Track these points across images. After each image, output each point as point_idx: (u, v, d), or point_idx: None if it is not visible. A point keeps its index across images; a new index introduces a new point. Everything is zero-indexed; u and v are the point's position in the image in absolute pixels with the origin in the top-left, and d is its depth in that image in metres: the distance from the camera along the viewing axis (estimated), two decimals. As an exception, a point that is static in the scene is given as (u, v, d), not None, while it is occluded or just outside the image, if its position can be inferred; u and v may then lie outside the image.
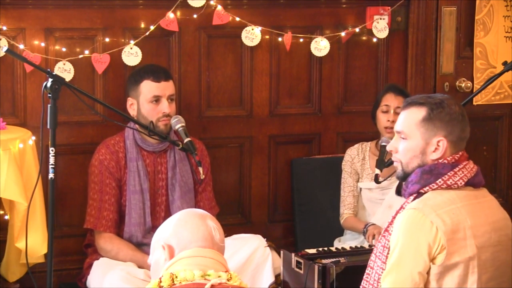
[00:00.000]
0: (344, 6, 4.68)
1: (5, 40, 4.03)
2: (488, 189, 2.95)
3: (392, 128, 4.09)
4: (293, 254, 3.82)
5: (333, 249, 3.94)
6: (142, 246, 3.93)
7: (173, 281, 2.26)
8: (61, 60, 4.15)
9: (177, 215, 2.47)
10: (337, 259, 3.73)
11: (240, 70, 4.55)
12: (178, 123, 3.89)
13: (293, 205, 4.66)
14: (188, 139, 3.83)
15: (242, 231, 4.22)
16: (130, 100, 3.99)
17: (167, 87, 3.96)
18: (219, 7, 4.36)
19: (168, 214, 3.92)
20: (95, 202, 3.92)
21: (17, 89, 4.16)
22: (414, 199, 2.83)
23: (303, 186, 4.64)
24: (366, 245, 3.99)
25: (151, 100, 3.92)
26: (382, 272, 2.82)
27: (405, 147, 2.88)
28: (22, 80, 4.16)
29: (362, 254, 3.81)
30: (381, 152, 4.09)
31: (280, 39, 4.54)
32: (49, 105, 3.30)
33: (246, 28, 4.44)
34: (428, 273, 2.73)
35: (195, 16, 4.36)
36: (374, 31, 4.66)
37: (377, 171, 4.05)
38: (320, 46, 4.58)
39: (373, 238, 3.97)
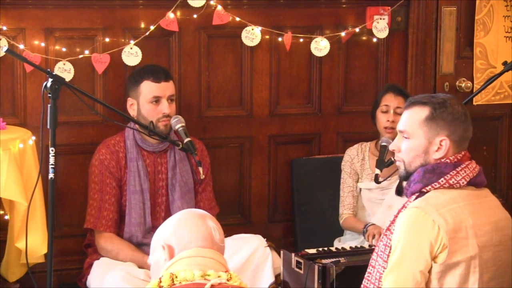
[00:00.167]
0: (344, 6, 4.69)
1: (5, 40, 4.04)
2: (488, 189, 2.95)
3: (391, 128, 4.10)
4: (293, 254, 3.82)
5: (333, 249, 3.94)
6: (142, 246, 3.93)
7: (173, 281, 2.26)
8: (61, 60, 4.16)
9: (177, 215, 2.47)
10: (337, 259, 3.73)
11: (240, 70, 4.55)
12: (178, 123, 3.89)
13: (293, 205, 4.66)
14: (188, 139, 3.83)
15: (242, 231, 4.22)
16: (130, 101, 3.99)
17: (167, 88, 3.96)
18: (219, 7, 4.36)
19: (168, 214, 3.92)
20: (95, 202, 3.92)
21: (17, 89, 4.16)
22: (416, 198, 2.83)
23: (303, 186, 4.64)
24: (366, 245, 3.99)
25: (151, 101, 3.92)
26: (383, 271, 2.82)
27: (408, 146, 2.88)
28: (22, 80, 4.16)
29: (362, 254, 3.81)
30: (381, 152, 4.09)
31: (280, 39, 4.54)
32: (49, 105, 3.30)
33: (246, 28, 4.44)
34: (429, 272, 2.74)
35: (195, 16, 4.36)
36: (374, 31, 4.66)
37: (377, 171, 4.05)
38: (320, 46, 4.58)
39: (373, 238, 3.97)
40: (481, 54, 4.93)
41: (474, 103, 4.89)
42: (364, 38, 4.73)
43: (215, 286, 2.26)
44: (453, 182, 2.81)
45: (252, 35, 4.46)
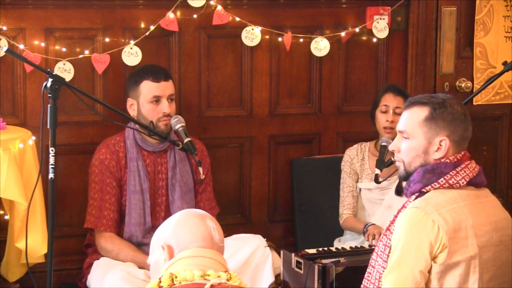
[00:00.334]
0: (344, 6, 4.69)
1: (5, 40, 4.04)
2: (488, 189, 2.95)
3: (391, 128, 4.10)
4: (293, 254, 3.82)
5: (333, 249, 3.94)
6: (142, 246, 3.93)
7: (173, 281, 2.26)
8: (61, 60, 4.16)
9: (177, 215, 2.47)
10: (337, 259, 3.73)
11: (240, 70, 4.55)
12: (178, 123, 3.89)
13: (293, 205, 4.66)
14: (188, 139, 3.83)
15: (242, 231, 4.22)
16: (130, 101, 3.99)
17: (167, 87, 3.96)
18: (219, 7, 4.36)
19: (168, 214, 3.92)
20: (95, 202, 3.92)
21: (17, 89, 4.16)
22: (416, 198, 2.83)
23: (303, 186, 4.64)
24: (366, 245, 3.99)
25: (151, 100, 3.92)
26: (383, 271, 2.82)
27: (408, 146, 2.88)
28: (22, 80, 4.16)
29: (362, 254, 3.81)
30: (381, 152, 4.09)
31: (280, 39, 4.54)
32: (49, 105, 3.30)
33: (246, 28, 4.45)
34: (429, 271, 2.74)
35: (195, 16, 4.36)
36: (374, 31, 4.66)
37: (377, 171, 4.05)
38: (320, 46, 4.58)
39: (373, 238, 3.97)
40: (481, 54, 4.93)
41: (474, 103, 4.89)
42: (364, 38, 4.73)
43: (214, 286, 2.26)
44: (453, 182, 2.81)
45: (252, 35, 4.46)
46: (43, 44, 4.14)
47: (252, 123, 4.61)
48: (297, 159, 4.68)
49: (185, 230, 2.39)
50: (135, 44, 4.25)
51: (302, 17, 4.60)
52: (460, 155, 2.85)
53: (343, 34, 4.63)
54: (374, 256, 2.93)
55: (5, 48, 3.41)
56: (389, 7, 4.68)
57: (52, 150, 3.32)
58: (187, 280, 2.26)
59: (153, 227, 3.89)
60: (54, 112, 3.30)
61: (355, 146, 4.36)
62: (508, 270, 2.86)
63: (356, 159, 4.31)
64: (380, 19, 4.66)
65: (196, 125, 4.46)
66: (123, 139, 3.99)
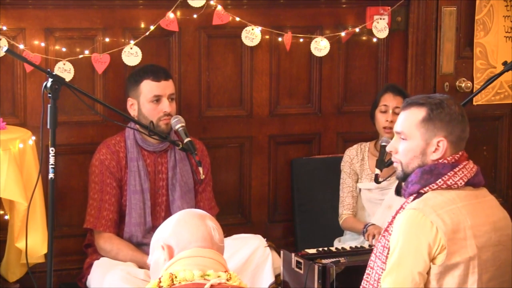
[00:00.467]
0: (344, 6, 4.69)
1: (5, 40, 4.04)
2: (488, 189, 2.95)
3: (390, 128, 4.09)
4: (293, 254, 3.82)
5: (333, 249, 3.94)
6: (142, 246, 3.93)
7: (173, 281, 2.27)
8: (61, 60, 4.16)
9: (177, 215, 2.47)
10: (337, 259, 3.73)
11: (240, 70, 4.55)
12: (178, 123, 3.89)
13: (293, 205, 4.66)
14: (188, 139, 3.83)
15: (242, 231, 4.22)
16: (130, 100, 3.99)
17: (167, 87, 3.96)
18: (219, 7, 4.36)
19: (168, 214, 3.92)
20: (95, 202, 3.93)
21: (17, 89, 4.17)
22: (414, 199, 2.83)
23: (303, 186, 4.64)
24: (366, 245, 3.99)
25: (151, 100, 3.92)
26: (382, 272, 2.82)
27: (405, 147, 2.88)
28: (22, 80, 4.16)
29: (362, 254, 3.81)
30: (381, 152, 4.08)
31: (280, 39, 4.54)
32: (49, 105, 3.30)
33: (246, 28, 4.45)
34: (428, 273, 2.73)
35: (195, 16, 4.36)
36: (374, 31, 4.66)
37: (377, 171, 4.04)
38: (320, 46, 4.58)
39: (373, 238, 3.97)
40: (481, 54, 4.93)
41: (474, 103, 4.89)
42: (364, 38, 4.73)
43: (214, 286, 2.26)
44: (451, 183, 2.80)
45: (252, 35, 4.46)
46: (43, 44, 4.14)
47: (252, 123, 4.61)
48: (297, 159, 4.68)
49: (185, 230, 2.39)
50: (135, 44, 4.25)
51: (302, 17, 4.60)
52: (458, 155, 2.85)
53: (343, 34, 4.63)
54: (372, 257, 2.93)
55: (5, 48, 3.41)
56: (389, 7, 4.68)
57: (52, 150, 3.32)
58: (187, 280, 2.27)
59: (153, 227, 3.89)
60: (54, 112, 3.30)
61: (355, 146, 4.36)
62: (508, 269, 2.86)
63: (356, 159, 4.31)
64: (380, 19, 4.66)
65: (196, 125, 4.46)
66: (123, 139, 3.99)
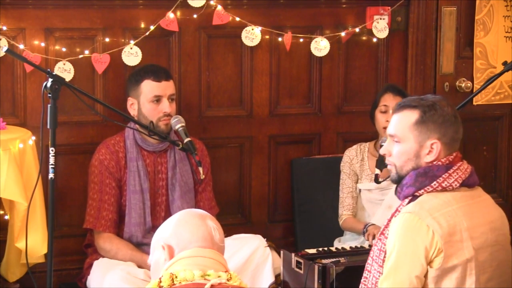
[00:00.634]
0: (344, 6, 4.69)
1: (5, 40, 4.04)
2: (488, 189, 2.95)
3: (391, 128, 4.09)
4: (293, 254, 3.82)
5: (333, 249, 3.94)
6: (142, 246, 3.93)
7: (173, 281, 2.27)
8: (61, 60, 4.16)
9: (177, 215, 2.47)
10: (337, 259, 3.73)
11: (240, 70, 4.55)
12: (178, 123, 3.89)
13: (293, 205, 4.66)
14: (188, 139, 3.83)
15: (242, 231, 4.22)
16: (130, 100, 3.99)
17: (167, 87, 3.96)
18: (219, 7, 4.36)
19: (168, 214, 3.92)
20: (94, 202, 3.92)
21: (17, 89, 4.17)
22: (409, 202, 2.82)
23: (303, 186, 4.64)
24: (366, 245, 3.99)
25: (152, 100, 3.92)
26: (379, 276, 2.82)
27: (399, 150, 2.86)
28: (22, 80, 4.16)
29: (362, 254, 3.81)
30: (381, 152, 4.08)
31: (280, 39, 4.54)
32: (49, 105, 3.30)
33: (246, 28, 4.45)
34: (425, 276, 2.73)
35: (195, 16, 4.36)
36: (374, 31, 4.66)
37: (377, 171, 4.04)
38: (320, 46, 4.58)
39: (373, 238, 3.97)
40: (481, 54, 4.93)
41: (474, 103, 4.89)
42: (364, 38, 4.73)
43: (215, 286, 2.26)
44: (446, 185, 2.79)
45: (252, 35, 4.46)
46: (43, 44, 4.14)
47: (252, 123, 4.61)
48: (297, 159, 4.68)
49: (185, 230, 2.39)
50: (135, 44, 4.25)
51: (302, 17, 4.60)
52: (452, 156, 2.84)
53: (343, 34, 4.63)
54: (369, 260, 2.93)
55: (5, 48, 3.41)
56: (389, 7, 4.68)
57: (52, 150, 3.32)
58: (187, 280, 2.27)
59: (153, 227, 3.89)
60: (54, 112, 3.30)
61: (355, 146, 4.36)
62: (506, 269, 2.86)
63: (356, 159, 4.30)
64: (380, 19, 4.66)
65: (196, 125, 4.46)
66: (123, 139, 3.99)
